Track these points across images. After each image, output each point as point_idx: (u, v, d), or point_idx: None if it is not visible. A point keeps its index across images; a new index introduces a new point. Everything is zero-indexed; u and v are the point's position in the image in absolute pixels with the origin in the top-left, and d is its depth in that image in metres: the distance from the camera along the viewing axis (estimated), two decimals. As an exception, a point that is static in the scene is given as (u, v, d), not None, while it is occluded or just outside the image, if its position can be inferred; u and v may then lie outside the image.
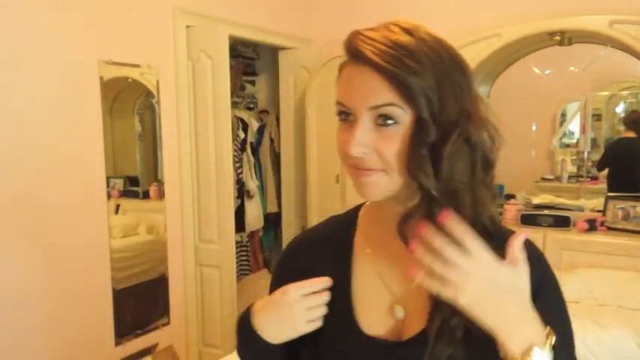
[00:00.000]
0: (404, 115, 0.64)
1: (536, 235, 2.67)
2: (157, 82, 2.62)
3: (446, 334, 0.64)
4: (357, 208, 0.83)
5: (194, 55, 2.80)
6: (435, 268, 0.58)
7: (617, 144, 3.57)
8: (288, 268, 0.83)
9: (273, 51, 3.67)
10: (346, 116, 0.67)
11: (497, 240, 0.63)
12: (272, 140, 3.98)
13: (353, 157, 0.66)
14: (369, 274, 0.75)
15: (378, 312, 0.73)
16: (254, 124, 3.83)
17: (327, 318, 0.74)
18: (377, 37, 0.65)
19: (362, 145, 0.65)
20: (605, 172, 3.55)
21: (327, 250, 0.80)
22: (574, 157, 3.76)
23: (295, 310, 0.71)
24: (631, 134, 3.43)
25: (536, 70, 3.30)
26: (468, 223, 0.61)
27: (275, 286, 0.78)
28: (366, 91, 0.64)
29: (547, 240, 2.73)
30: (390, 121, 0.64)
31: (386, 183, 0.67)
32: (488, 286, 0.59)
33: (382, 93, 0.63)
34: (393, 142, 0.64)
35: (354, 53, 0.66)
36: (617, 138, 3.60)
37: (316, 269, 0.77)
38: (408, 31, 0.65)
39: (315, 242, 0.83)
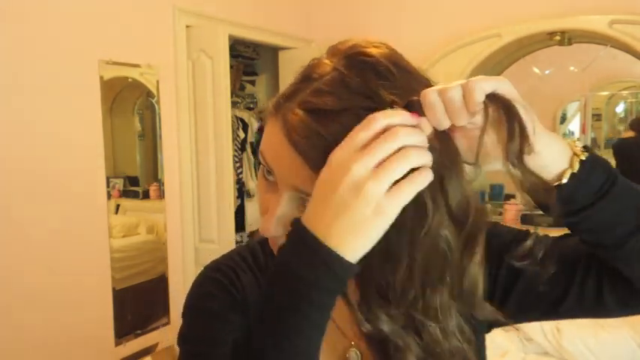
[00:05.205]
0: None
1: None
2: (157, 82, 2.62)
3: None
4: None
5: (194, 55, 2.80)
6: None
7: (621, 144, 3.56)
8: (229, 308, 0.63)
9: (273, 51, 3.67)
10: (269, 174, 0.55)
11: None
12: (272, 140, 3.98)
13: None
14: None
15: (332, 356, 0.63)
16: (254, 124, 3.83)
17: None
18: (305, 120, 0.49)
19: (282, 223, 0.53)
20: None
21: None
22: (574, 157, 3.75)
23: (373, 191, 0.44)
24: (630, 134, 3.44)
25: (536, 70, 3.30)
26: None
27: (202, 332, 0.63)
28: (290, 169, 0.51)
29: (547, 240, 2.73)
30: None
31: None
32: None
33: (310, 181, 0.48)
34: None
35: (283, 125, 0.51)
36: (619, 139, 3.61)
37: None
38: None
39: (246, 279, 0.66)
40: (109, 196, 2.42)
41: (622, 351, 2.01)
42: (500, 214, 3.14)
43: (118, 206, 2.51)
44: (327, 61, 0.52)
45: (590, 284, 0.58)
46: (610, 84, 3.60)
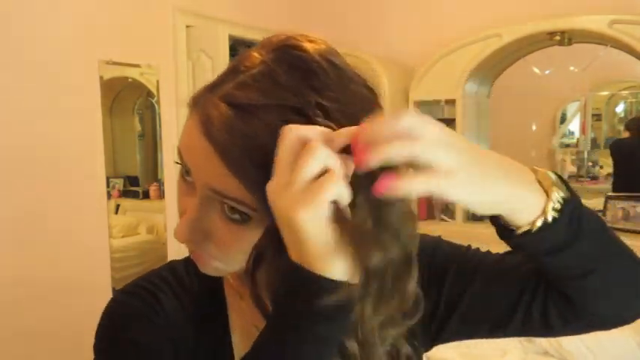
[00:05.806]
0: (256, 214, 0.45)
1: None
2: (157, 82, 2.62)
3: None
4: None
5: (194, 55, 2.81)
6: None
7: (618, 144, 3.57)
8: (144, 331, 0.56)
9: (273, 51, 3.67)
10: (187, 174, 0.51)
11: None
12: (272, 140, 3.98)
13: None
14: (250, 331, 0.56)
15: None
16: (254, 124, 3.83)
17: None
18: (225, 115, 0.44)
19: (198, 228, 0.49)
20: (606, 171, 3.55)
21: (192, 307, 0.60)
22: (574, 157, 3.76)
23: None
24: (627, 134, 3.45)
25: (536, 70, 3.30)
26: None
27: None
28: (206, 168, 0.46)
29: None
30: (237, 217, 0.47)
31: (226, 269, 0.53)
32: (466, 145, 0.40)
33: (228, 183, 0.45)
34: (239, 242, 0.47)
35: (201, 117, 0.46)
36: (616, 139, 3.61)
37: (185, 334, 0.57)
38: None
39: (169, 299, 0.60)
40: (109, 196, 2.42)
41: (622, 351, 2.01)
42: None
43: (118, 206, 2.52)
44: (256, 54, 0.47)
45: (538, 305, 0.54)
46: (610, 84, 3.60)
